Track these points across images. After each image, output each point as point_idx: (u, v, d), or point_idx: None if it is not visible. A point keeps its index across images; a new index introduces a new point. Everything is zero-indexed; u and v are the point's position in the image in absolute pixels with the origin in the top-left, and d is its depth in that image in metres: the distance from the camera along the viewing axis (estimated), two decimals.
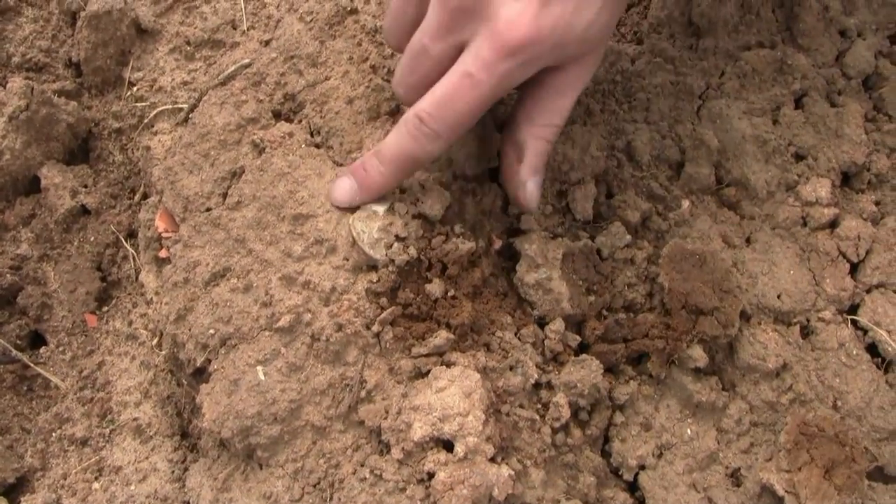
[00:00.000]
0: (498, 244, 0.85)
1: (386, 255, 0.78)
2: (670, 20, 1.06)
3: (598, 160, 0.90)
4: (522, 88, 0.80)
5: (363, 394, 0.77)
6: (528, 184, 0.81)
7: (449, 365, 0.77)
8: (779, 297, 0.92)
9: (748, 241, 0.96)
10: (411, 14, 0.78)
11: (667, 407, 0.89)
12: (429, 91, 0.74)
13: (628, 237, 0.89)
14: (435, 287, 0.79)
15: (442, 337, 0.77)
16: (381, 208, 0.79)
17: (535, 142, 0.79)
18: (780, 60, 1.03)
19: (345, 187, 0.79)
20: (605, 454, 0.88)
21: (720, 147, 0.97)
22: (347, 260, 0.79)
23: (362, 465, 0.75)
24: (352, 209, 0.80)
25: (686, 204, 0.95)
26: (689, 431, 0.89)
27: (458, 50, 0.73)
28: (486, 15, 0.70)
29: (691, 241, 0.93)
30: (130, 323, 0.98)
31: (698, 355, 0.86)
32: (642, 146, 0.95)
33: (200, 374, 0.84)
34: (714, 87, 1.02)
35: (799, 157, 0.99)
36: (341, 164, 0.86)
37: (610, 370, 0.87)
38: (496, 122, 0.89)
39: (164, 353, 0.92)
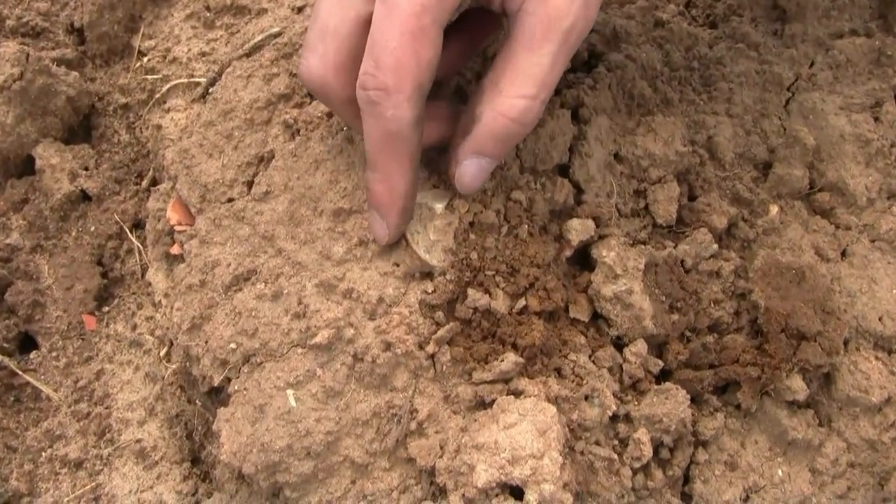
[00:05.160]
0: (570, 250, 0.74)
1: (444, 260, 0.68)
2: (752, 2, 0.97)
3: (683, 156, 0.80)
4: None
5: (413, 425, 0.68)
6: (465, 163, 0.66)
7: (516, 394, 0.67)
8: (880, 319, 0.83)
9: (844, 254, 0.87)
10: None
11: (755, 443, 0.79)
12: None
13: (715, 246, 0.79)
14: (499, 300, 0.69)
15: (509, 361, 0.67)
16: (439, 205, 0.69)
17: (492, 117, 0.64)
18: (878, 50, 0.94)
19: (374, 225, 0.69)
20: (685, 496, 0.78)
21: (815, 146, 0.86)
22: (398, 265, 0.70)
23: None
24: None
25: (775, 210, 0.86)
26: (779, 472, 0.79)
27: None
28: None
29: (781, 253, 0.82)
30: (134, 327, 0.90)
31: (798, 387, 0.76)
32: (725, 142, 0.86)
33: (217, 395, 0.76)
34: (804, 79, 0.93)
35: None
36: None
37: (693, 400, 0.77)
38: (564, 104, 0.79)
39: (173, 366, 0.83)
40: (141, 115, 0.99)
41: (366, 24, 0.61)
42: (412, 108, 0.61)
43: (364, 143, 0.64)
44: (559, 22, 0.60)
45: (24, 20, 1.00)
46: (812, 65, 0.94)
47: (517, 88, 0.62)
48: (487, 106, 0.63)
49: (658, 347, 0.77)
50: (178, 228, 0.82)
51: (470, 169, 0.66)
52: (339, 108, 0.66)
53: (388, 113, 0.60)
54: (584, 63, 0.87)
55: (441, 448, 0.67)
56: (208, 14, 0.98)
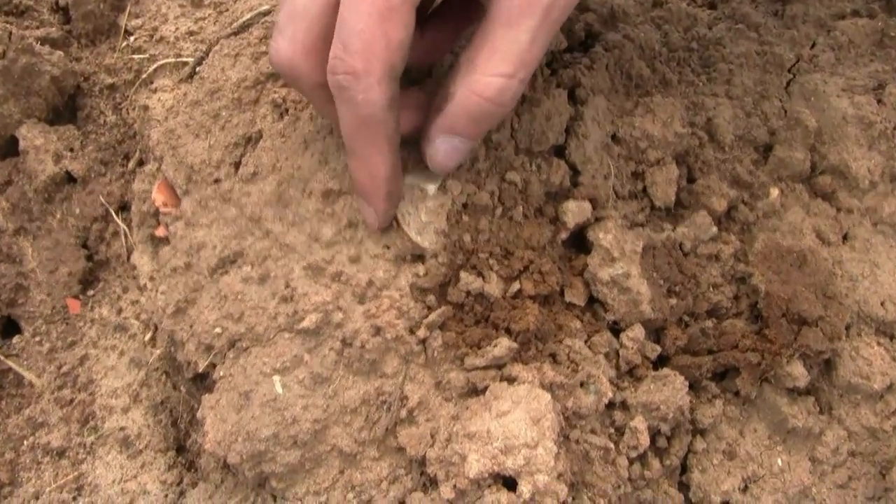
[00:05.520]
0: (566, 232, 0.72)
1: (436, 243, 0.65)
2: None
3: (682, 138, 0.78)
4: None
5: (403, 413, 0.65)
6: (437, 142, 0.63)
7: (510, 380, 0.65)
8: (882, 304, 0.80)
9: (845, 237, 0.85)
10: None
11: (753, 431, 0.78)
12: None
13: (714, 229, 0.77)
14: (493, 284, 0.67)
15: (503, 346, 0.65)
16: (431, 186, 0.66)
17: (465, 95, 0.60)
18: (881, 31, 0.91)
19: (363, 211, 0.67)
20: (682, 486, 0.76)
21: (817, 128, 0.84)
22: (388, 248, 0.67)
23: (401, 503, 0.65)
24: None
25: (775, 192, 0.83)
26: (779, 461, 0.77)
27: None
28: None
29: (781, 236, 0.80)
30: (119, 311, 0.87)
31: (799, 373, 0.74)
32: (725, 124, 0.83)
33: (202, 381, 0.73)
34: (805, 60, 0.90)
35: None
36: None
37: (691, 387, 0.75)
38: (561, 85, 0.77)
39: (158, 351, 0.80)
40: (127, 96, 0.96)
41: (336, 4, 0.58)
42: (384, 90, 0.58)
43: (340, 130, 0.62)
44: (543, 6, 0.57)
45: None
46: (813, 46, 0.91)
47: (493, 66, 0.58)
48: (461, 84, 0.60)
49: (656, 332, 0.75)
50: (163, 210, 0.80)
51: (442, 147, 0.63)
52: (309, 93, 0.63)
53: (359, 97, 0.58)
54: (581, 43, 0.84)
55: (432, 437, 0.65)
56: None
